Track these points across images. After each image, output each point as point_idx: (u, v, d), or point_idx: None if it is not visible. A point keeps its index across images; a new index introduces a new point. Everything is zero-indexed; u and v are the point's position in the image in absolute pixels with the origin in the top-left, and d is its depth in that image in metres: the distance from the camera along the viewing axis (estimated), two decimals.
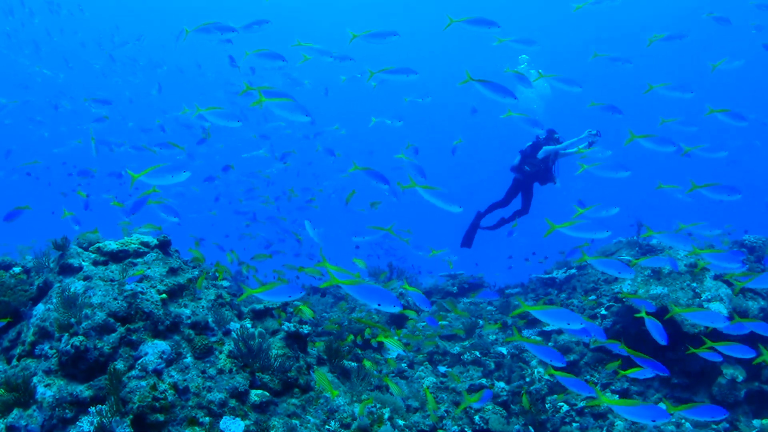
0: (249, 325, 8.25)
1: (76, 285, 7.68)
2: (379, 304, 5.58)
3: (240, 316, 8.62)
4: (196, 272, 8.70)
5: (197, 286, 8.26)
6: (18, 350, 7.41)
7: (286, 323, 8.40)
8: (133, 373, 6.79)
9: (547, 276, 14.77)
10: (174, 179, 7.30)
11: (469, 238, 13.75)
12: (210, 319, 7.87)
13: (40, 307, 7.67)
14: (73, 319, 7.07)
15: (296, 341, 8.27)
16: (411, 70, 9.98)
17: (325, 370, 8.58)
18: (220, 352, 7.45)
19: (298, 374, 7.69)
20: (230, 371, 7.21)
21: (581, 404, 9.68)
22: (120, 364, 6.84)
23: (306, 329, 8.32)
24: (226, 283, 9.40)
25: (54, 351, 7.00)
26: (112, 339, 7.02)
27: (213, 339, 7.65)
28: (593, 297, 12.92)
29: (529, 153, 12.86)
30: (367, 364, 8.87)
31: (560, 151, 12.45)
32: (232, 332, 7.86)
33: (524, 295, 14.50)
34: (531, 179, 13.01)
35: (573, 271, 14.47)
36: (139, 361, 6.91)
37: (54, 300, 7.42)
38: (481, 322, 12.79)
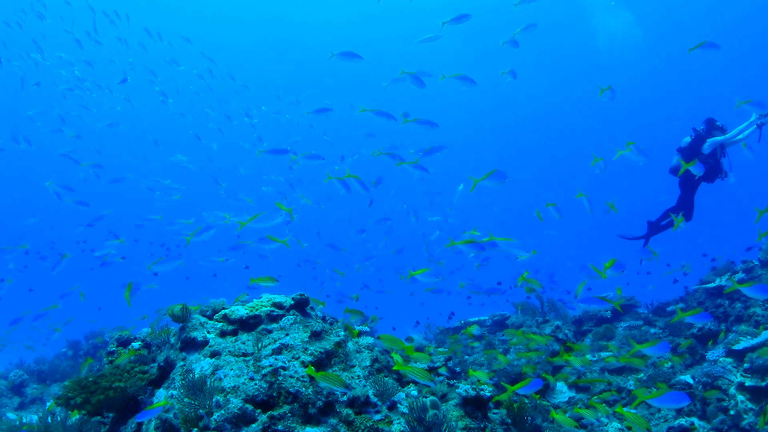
0: (415, 393, 6.07)
1: (202, 364, 5.76)
2: None
3: (399, 380, 6.47)
4: (342, 333, 6.62)
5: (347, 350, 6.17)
6: None
7: (462, 385, 6.19)
8: None
9: (711, 285, 12.03)
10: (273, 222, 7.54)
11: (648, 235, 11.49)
12: (370, 392, 5.73)
13: (162, 394, 5.79)
14: (202, 410, 5.08)
15: (477, 408, 6.04)
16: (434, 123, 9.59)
17: None
18: None
19: None
20: None
21: None
22: None
23: (488, 391, 6.07)
24: (369, 339, 7.27)
25: None
26: None
27: (377, 417, 5.51)
28: None
29: (690, 149, 10.40)
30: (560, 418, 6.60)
31: (727, 141, 9.98)
32: (399, 405, 5.72)
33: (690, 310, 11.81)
34: (698, 179, 10.53)
35: (742, 275, 11.76)
36: None
37: (177, 384, 5.46)
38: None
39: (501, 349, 10.57)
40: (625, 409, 8.39)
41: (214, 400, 5.17)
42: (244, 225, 7.28)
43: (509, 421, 6.53)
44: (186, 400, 5.12)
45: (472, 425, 5.66)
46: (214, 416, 5.05)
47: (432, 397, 5.85)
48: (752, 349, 9.29)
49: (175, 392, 5.47)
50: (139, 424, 5.88)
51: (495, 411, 6.76)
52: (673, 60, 44.32)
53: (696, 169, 9.39)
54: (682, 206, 11.07)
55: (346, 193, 9.25)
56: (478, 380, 6.62)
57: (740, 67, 45.56)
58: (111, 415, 6.40)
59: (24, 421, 7.24)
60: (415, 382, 6.35)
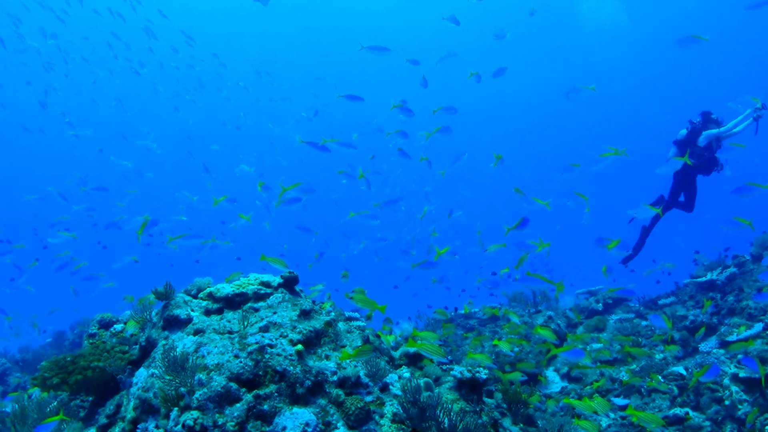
0: (408, 375, 5.73)
1: (184, 341, 5.40)
2: None
3: (391, 362, 6.12)
4: (333, 313, 6.26)
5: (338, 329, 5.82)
6: (117, 429, 5.12)
7: (457, 367, 5.85)
8: None
9: (703, 279, 11.80)
10: None
11: (639, 247, 11.15)
12: (362, 373, 5.38)
13: (142, 373, 5.40)
14: (183, 388, 4.73)
15: (472, 390, 5.71)
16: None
17: (508, 423, 5.96)
18: (382, 416, 4.96)
19: None
20: None
21: None
22: None
23: (484, 374, 5.73)
24: (361, 323, 6.92)
25: (161, 431, 4.67)
26: (237, 412, 4.63)
27: (369, 398, 5.17)
28: None
29: (686, 142, 10.14)
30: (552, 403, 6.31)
31: (724, 134, 9.74)
32: (391, 386, 5.38)
33: (682, 304, 11.57)
34: (694, 172, 10.26)
35: (733, 270, 11.53)
36: None
37: (158, 363, 5.09)
38: (642, 340, 10.05)
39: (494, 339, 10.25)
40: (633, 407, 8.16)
41: (196, 378, 4.81)
42: (219, 202, 6.69)
43: (504, 405, 6.21)
44: (167, 377, 4.75)
45: (467, 408, 5.32)
46: (196, 395, 4.69)
47: (426, 379, 5.52)
48: (746, 340, 9.07)
49: (155, 371, 5.10)
50: (118, 406, 5.51)
51: (487, 399, 6.45)
52: (660, 47, 44.21)
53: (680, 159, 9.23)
54: (675, 200, 10.82)
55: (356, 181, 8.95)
56: (478, 363, 6.28)
57: (730, 55, 45.42)
58: (90, 398, 6.04)
59: (6, 410, 6.86)
60: (422, 363, 6.02)
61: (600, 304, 12.19)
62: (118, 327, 7.25)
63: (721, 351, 9.32)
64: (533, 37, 44.10)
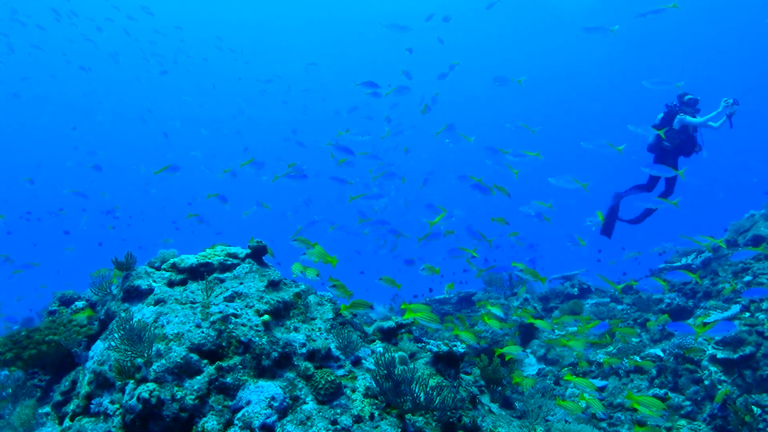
0: (381, 350, 5.36)
1: (144, 312, 5.00)
2: None
3: (365, 339, 5.75)
4: (303, 285, 5.88)
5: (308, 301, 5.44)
6: (72, 406, 4.71)
7: (433, 342, 5.51)
8: None
9: (678, 264, 11.66)
10: None
11: (609, 226, 10.81)
12: (332, 345, 5.00)
13: (99, 346, 5.00)
14: (140, 360, 4.33)
15: (449, 365, 5.36)
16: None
17: (487, 400, 5.63)
18: (354, 391, 4.59)
19: (462, 410, 4.72)
20: (371, 417, 4.35)
21: None
22: (211, 422, 4.07)
23: (461, 348, 5.39)
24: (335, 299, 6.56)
25: (117, 406, 4.28)
26: (197, 384, 4.26)
27: (340, 372, 4.79)
28: (749, 278, 9.79)
29: (661, 126, 9.97)
30: (531, 383, 6.02)
31: (695, 125, 9.65)
32: (364, 360, 5.02)
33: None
34: (674, 154, 10.06)
35: (708, 254, 11.38)
36: (240, 414, 4.13)
37: (115, 334, 4.68)
38: (619, 323, 9.89)
39: (468, 324, 9.95)
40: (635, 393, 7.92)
41: (154, 349, 4.42)
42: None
43: (482, 383, 5.88)
44: (122, 347, 4.35)
45: (444, 383, 4.97)
46: (154, 366, 4.30)
47: (401, 353, 5.17)
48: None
49: (112, 343, 4.69)
50: (74, 382, 5.11)
51: (465, 376, 6.12)
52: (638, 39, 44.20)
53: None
54: (651, 184, 10.62)
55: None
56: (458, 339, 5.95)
57: (710, 34, 45.31)
58: (48, 377, 5.62)
59: None
60: (415, 334, 5.67)
61: (576, 289, 11.97)
62: (79, 304, 6.83)
63: None
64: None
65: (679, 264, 11.90)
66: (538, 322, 7.21)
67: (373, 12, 44.32)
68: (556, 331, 10.09)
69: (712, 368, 8.12)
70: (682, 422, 7.44)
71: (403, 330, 5.96)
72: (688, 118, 9.74)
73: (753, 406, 7.08)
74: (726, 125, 9.62)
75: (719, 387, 7.76)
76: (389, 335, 5.97)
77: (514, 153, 8.52)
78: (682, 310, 10.05)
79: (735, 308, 9.31)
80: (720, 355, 8.17)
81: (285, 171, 8.94)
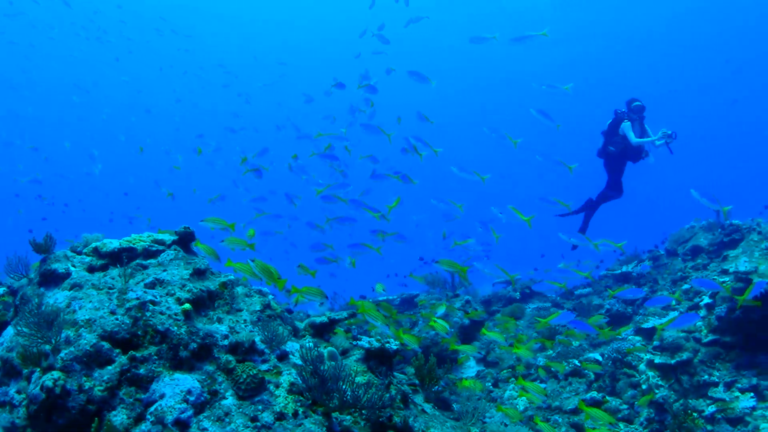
0: (311, 345, 5.10)
1: (57, 296, 4.65)
2: None
3: (296, 334, 5.49)
4: (232, 275, 5.58)
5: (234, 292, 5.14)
6: None
7: (365, 338, 5.27)
8: (143, 428, 3.70)
9: (618, 272, 11.74)
10: None
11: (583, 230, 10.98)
12: (257, 339, 4.72)
13: (9, 332, 4.64)
14: (47, 346, 3.99)
15: (381, 362, 5.14)
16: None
17: (420, 400, 5.41)
18: (277, 386, 4.32)
19: (392, 410, 4.49)
20: (295, 414, 4.09)
21: (711, 409, 7.32)
22: (121, 416, 3.77)
23: (394, 345, 5.17)
24: (267, 292, 6.28)
25: (23, 396, 3.94)
26: (107, 375, 3.95)
27: (264, 367, 4.51)
28: (687, 286, 9.86)
29: (609, 132, 10.04)
30: (468, 384, 5.86)
31: (635, 143, 9.78)
32: (291, 355, 4.76)
33: (598, 294, 11.40)
34: (621, 159, 10.10)
35: (647, 264, 11.55)
36: (152, 409, 3.84)
37: (24, 320, 4.32)
38: (560, 328, 9.83)
39: (409, 324, 9.73)
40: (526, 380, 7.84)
41: (63, 335, 4.09)
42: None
43: (416, 381, 5.66)
44: (26, 331, 4.01)
45: (374, 380, 4.74)
46: (62, 354, 3.97)
47: (331, 348, 4.93)
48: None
49: (19, 328, 4.34)
50: None
51: (399, 375, 5.91)
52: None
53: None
54: (611, 188, 10.68)
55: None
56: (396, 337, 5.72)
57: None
58: None
59: None
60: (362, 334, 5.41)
61: (518, 293, 11.90)
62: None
63: (638, 338, 9.20)
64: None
65: (619, 272, 11.97)
66: (492, 335, 7.11)
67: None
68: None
69: (650, 373, 8.15)
70: (621, 425, 7.42)
71: (336, 326, 5.72)
72: (630, 134, 9.83)
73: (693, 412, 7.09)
74: (666, 150, 9.76)
75: (656, 391, 7.78)
76: (322, 331, 5.72)
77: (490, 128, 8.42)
78: (621, 315, 10.07)
79: (672, 314, 9.37)
80: (657, 360, 8.21)
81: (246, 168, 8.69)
